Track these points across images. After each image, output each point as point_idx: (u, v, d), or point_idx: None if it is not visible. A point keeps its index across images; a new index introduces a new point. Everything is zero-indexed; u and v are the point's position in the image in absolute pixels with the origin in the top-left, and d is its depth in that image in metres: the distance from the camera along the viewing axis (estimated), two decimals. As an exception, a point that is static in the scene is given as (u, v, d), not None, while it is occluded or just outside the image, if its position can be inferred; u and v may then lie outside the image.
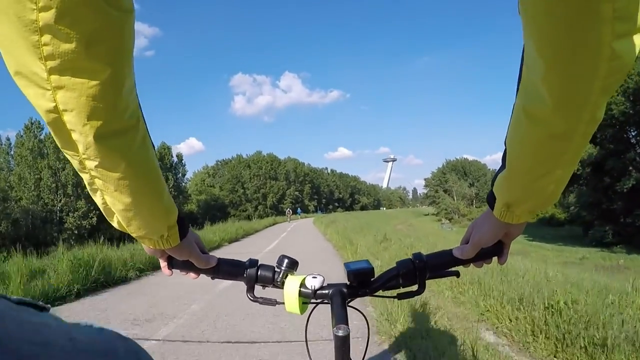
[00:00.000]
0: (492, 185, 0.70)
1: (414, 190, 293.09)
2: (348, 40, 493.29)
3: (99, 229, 37.77)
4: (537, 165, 0.58)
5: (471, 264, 0.81)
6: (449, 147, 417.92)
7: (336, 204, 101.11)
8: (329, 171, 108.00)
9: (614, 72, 0.44)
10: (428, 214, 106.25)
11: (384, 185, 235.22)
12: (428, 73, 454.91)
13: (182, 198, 53.55)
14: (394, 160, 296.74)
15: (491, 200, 0.70)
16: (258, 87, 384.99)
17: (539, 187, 0.61)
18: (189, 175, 65.55)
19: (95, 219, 38.70)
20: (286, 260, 0.85)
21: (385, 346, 3.51)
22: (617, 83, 0.46)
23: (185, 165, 57.18)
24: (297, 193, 76.73)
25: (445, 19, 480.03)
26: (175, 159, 55.15)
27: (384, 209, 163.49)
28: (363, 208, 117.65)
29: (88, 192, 0.57)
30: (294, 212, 49.33)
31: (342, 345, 0.71)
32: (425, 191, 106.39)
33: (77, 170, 0.54)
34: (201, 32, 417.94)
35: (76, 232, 37.48)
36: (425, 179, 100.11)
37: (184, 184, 57.21)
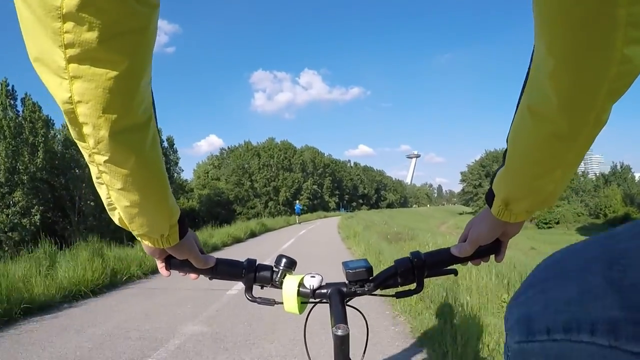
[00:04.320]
0: (491, 183, 0.70)
1: (439, 188, 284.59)
2: (368, 37, 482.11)
3: (48, 232, 29.04)
4: (537, 164, 0.58)
5: (469, 262, 0.82)
6: (471, 145, 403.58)
7: (360, 201, 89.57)
8: (352, 164, 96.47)
9: (622, 76, 0.44)
10: (462, 213, 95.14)
11: (408, 182, 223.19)
12: (450, 70, 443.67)
13: (172, 190, 43.12)
14: (417, 156, 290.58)
15: (490, 198, 0.70)
16: (278, 84, 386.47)
17: (538, 186, 0.61)
18: (192, 166, 55.70)
19: (38, 216, 28.40)
20: (284, 260, 0.86)
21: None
22: (625, 87, 0.46)
23: (177, 152, 47.21)
24: (315, 187, 65.23)
25: (467, 15, 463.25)
26: (165, 143, 45.01)
27: (416, 206, 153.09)
28: (389, 206, 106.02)
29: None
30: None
31: (342, 345, 0.71)
32: (461, 187, 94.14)
33: (87, 161, 0.53)
34: (221, 29, 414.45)
35: (9, 233, 26.97)
36: (461, 173, 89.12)
37: (176, 174, 46.95)
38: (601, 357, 0.36)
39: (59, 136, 33.13)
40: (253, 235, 16.76)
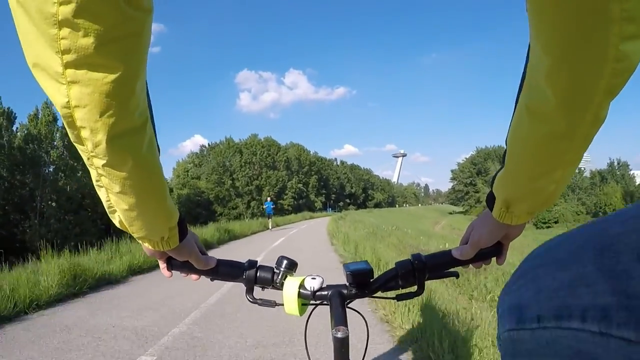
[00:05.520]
0: (492, 185, 0.70)
1: (426, 187, 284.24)
2: (353, 36, 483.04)
3: (7, 236, 25.57)
4: (537, 164, 0.58)
5: (470, 264, 0.82)
6: (456, 145, 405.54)
7: (347, 200, 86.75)
8: (339, 162, 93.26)
9: (619, 73, 0.44)
10: (453, 212, 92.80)
11: (394, 181, 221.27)
12: (436, 69, 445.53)
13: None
14: (403, 155, 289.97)
15: (490, 200, 0.70)
16: (264, 84, 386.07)
17: (538, 186, 0.61)
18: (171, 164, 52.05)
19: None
20: (285, 262, 0.85)
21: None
22: (622, 84, 0.45)
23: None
24: (300, 186, 62.03)
25: (453, 14, 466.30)
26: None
27: (407, 206, 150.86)
28: (377, 205, 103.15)
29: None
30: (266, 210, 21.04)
31: (341, 347, 0.71)
32: (449, 186, 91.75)
33: (86, 165, 0.55)
34: (207, 29, 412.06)
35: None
36: (452, 171, 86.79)
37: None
38: (591, 344, 0.36)
39: (26, 131, 29.31)
40: (207, 247, 10.55)
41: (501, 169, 0.66)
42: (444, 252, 0.81)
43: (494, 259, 0.80)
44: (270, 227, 20.33)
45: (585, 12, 0.39)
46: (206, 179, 54.42)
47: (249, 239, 15.52)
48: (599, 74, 0.44)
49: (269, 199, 21.78)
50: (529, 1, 0.43)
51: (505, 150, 0.63)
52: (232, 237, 14.93)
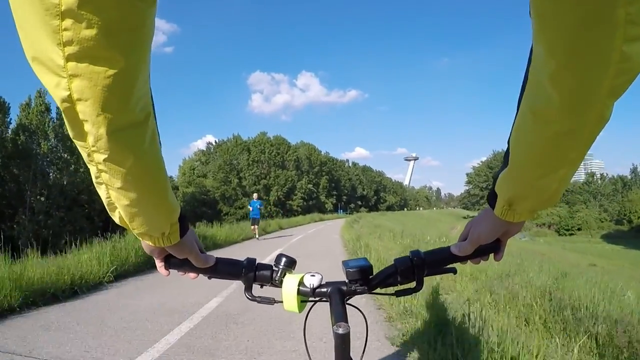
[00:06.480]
0: (494, 184, 0.72)
1: (438, 191, 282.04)
2: (366, 40, 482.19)
3: None
4: (541, 163, 0.59)
5: (468, 260, 0.83)
6: (467, 149, 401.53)
7: (359, 202, 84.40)
8: (351, 164, 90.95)
9: (622, 74, 0.44)
10: (467, 217, 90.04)
11: (406, 184, 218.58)
12: (448, 74, 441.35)
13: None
14: (415, 159, 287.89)
15: (492, 198, 0.72)
16: (276, 86, 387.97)
17: (542, 185, 0.62)
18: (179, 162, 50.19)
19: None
20: (284, 259, 0.86)
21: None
22: (625, 85, 0.46)
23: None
24: (310, 186, 59.75)
25: (465, 20, 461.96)
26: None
27: (421, 209, 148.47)
28: (389, 208, 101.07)
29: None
30: (252, 210, 15.04)
31: (343, 343, 0.71)
32: (461, 190, 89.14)
33: (85, 162, 0.54)
34: (220, 29, 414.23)
35: None
36: (467, 174, 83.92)
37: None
38: None
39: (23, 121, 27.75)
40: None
41: (503, 168, 0.67)
42: (443, 249, 0.82)
43: (491, 255, 0.81)
44: (257, 236, 15.13)
45: (591, 17, 0.40)
46: (212, 177, 52.41)
47: (237, 247, 12.12)
48: (603, 75, 0.44)
49: (255, 196, 16.25)
50: (532, 6, 0.44)
51: (508, 149, 0.64)
52: (213, 245, 11.63)
